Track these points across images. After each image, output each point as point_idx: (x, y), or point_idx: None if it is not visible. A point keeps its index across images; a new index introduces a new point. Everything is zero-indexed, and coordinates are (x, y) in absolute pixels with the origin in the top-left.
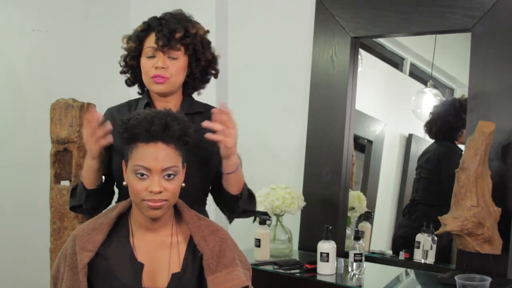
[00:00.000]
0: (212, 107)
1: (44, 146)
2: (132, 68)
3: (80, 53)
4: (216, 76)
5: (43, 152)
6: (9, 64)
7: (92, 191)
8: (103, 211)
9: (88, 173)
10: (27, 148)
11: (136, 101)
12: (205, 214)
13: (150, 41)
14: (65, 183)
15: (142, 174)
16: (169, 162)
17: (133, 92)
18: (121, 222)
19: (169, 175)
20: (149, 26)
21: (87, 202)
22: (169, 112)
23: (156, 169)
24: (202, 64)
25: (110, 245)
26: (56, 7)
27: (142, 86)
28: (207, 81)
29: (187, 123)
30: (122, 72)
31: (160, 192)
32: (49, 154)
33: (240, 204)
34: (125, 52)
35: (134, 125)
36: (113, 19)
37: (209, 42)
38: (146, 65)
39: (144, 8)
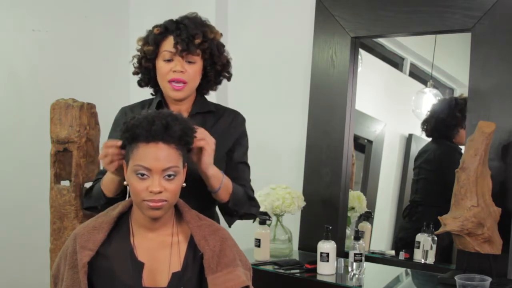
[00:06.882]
0: (223, 107)
1: (44, 146)
2: (147, 70)
3: (80, 53)
4: (229, 79)
5: (43, 152)
6: (9, 64)
7: (111, 199)
8: (103, 211)
9: (109, 183)
10: (27, 148)
11: (150, 100)
12: (215, 214)
13: (168, 45)
14: (65, 183)
15: (142, 174)
16: (169, 162)
17: (133, 92)
18: (122, 222)
19: (169, 175)
20: (167, 29)
21: (104, 206)
22: (170, 112)
23: (156, 169)
24: (217, 68)
25: (110, 244)
26: (56, 7)
27: (155, 87)
28: (220, 83)
29: (188, 123)
30: (135, 73)
31: (160, 192)
32: (49, 154)
33: (235, 208)
34: (139, 54)
35: (135, 125)
36: (113, 19)
37: (223, 46)
38: (163, 68)
39: (143, 8)
